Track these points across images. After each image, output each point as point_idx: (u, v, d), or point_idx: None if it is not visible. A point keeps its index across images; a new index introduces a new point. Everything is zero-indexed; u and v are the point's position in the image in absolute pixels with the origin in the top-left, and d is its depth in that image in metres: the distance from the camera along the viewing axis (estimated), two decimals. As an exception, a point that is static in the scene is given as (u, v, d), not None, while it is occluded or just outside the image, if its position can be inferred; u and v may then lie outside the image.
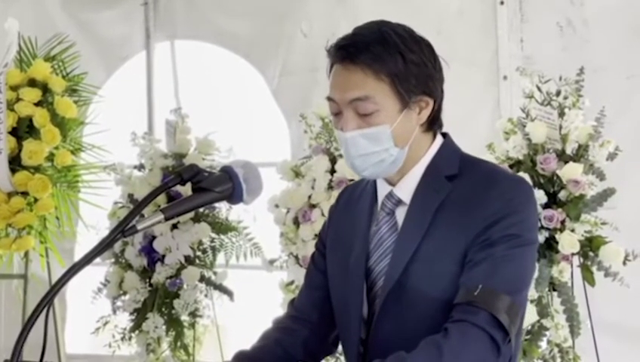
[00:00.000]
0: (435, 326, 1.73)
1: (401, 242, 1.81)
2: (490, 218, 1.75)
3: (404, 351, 1.68)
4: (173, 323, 3.75)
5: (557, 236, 2.97)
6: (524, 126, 3.10)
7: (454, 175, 1.83)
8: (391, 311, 1.80)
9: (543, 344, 3.03)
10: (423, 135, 1.86)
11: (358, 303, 1.86)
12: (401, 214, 1.85)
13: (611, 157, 3.05)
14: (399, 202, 1.86)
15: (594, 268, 3.02)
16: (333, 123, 1.86)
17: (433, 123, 1.86)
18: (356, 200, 1.97)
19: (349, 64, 1.77)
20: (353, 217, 1.95)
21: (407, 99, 1.78)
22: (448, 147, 1.89)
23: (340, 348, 2.04)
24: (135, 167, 3.90)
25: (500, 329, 1.69)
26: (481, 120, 3.80)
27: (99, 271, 3.91)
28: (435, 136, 1.89)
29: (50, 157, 3.67)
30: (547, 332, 2.99)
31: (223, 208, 3.82)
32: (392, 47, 1.76)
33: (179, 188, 3.30)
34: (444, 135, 1.91)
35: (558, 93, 3.09)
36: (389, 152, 1.80)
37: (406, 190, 1.85)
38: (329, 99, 1.83)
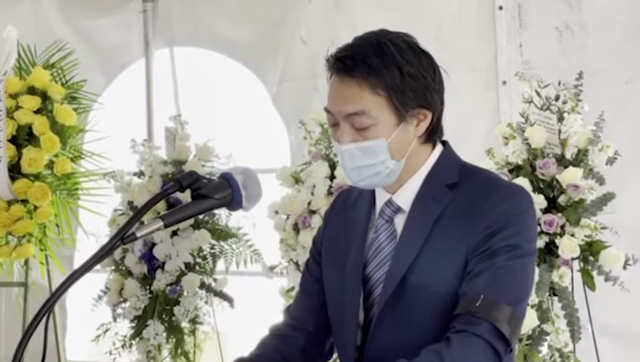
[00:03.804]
0: (431, 334, 1.74)
1: (401, 250, 1.80)
2: (491, 228, 1.75)
3: (398, 358, 1.68)
4: (174, 330, 3.75)
5: (557, 241, 2.97)
6: (524, 131, 3.10)
7: (455, 183, 1.82)
8: (388, 319, 1.80)
9: (544, 349, 3.02)
10: (422, 146, 1.84)
11: (355, 310, 1.85)
12: (400, 222, 1.84)
13: (610, 161, 3.05)
14: (398, 210, 1.85)
15: (594, 273, 3.02)
16: (331, 133, 1.85)
17: (432, 134, 1.84)
18: (352, 205, 1.96)
19: (345, 77, 1.76)
20: (349, 223, 1.93)
21: (403, 113, 1.76)
22: (448, 156, 1.88)
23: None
24: (135, 174, 3.89)
25: (501, 339, 1.70)
26: (480, 125, 3.79)
27: (99, 278, 3.91)
28: (434, 146, 1.87)
29: (50, 165, 3.67)
30: (548, 337, 2.99)
31: (222, 215, 3.82)
32: (389, 60, 1.74)
33: (178, 195, 3.32)
34: (444, 143, 1.90)
35: (557, 98, 3.10)
36: (385, 165, 1.79)
37: (405, 198, 1.84)
38: (326, 110, 1.82)
